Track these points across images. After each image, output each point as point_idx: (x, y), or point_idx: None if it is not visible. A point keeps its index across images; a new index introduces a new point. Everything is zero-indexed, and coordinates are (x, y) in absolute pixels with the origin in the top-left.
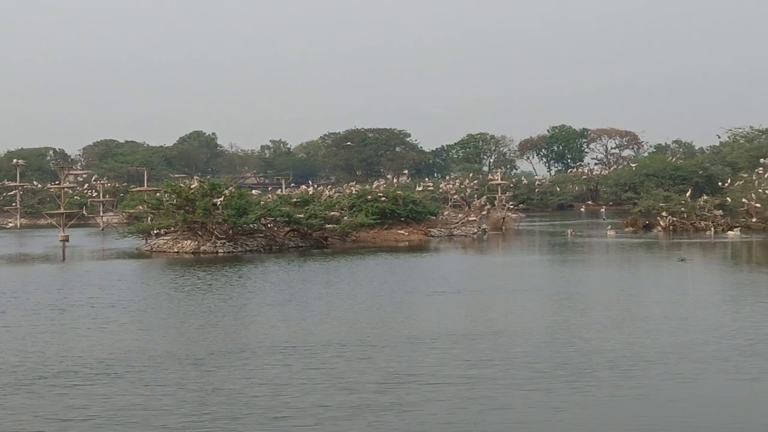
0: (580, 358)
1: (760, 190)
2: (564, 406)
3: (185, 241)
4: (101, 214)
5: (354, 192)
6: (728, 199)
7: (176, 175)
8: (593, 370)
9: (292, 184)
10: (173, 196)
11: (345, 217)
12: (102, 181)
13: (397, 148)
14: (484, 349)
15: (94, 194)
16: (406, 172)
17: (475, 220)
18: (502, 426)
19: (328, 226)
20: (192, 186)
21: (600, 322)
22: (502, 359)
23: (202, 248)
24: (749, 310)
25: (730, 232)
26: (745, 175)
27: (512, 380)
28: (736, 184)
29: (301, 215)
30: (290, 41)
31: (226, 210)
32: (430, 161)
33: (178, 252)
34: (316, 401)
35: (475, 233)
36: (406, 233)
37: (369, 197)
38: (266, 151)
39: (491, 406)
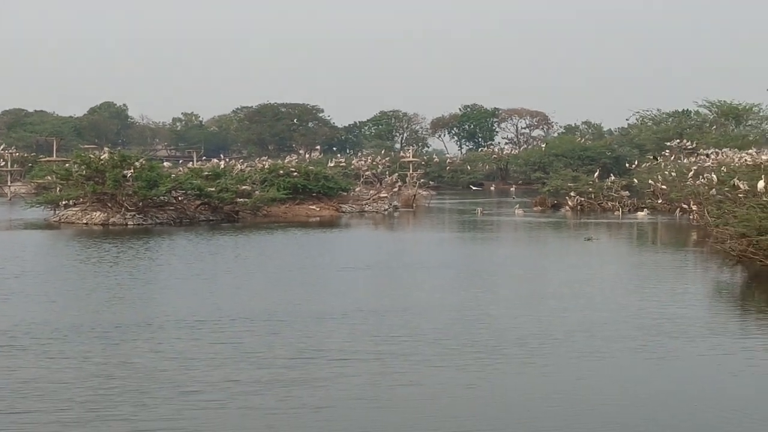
0: (490, 336)
1: (666, 172)
2: (474, 383)
3: (94, 213)
4: (9, 183)
5: (266, 166)
6: (635, 180)
7: (86, 146)
8: (503, 348)
9: (204, 158)
10: (83, 167)
11: (256, 192)
12: (10, 151)
13: (310, 124)
14: (393, 325)
15: (2, 164)
16: (318, 147)
17: (386, 197)
18: (413, 402)
19: (239, 200)
20: (102, 157)
21: (509, 299)
22: (411, 335)
23: (112, 220)
24: (654, 289)
25: (639, 213)
26: (651, 157)
27: (422, 356)
28: (643, 165)
29: (212, 189)
30: (203, 14)
31: (137, 182)
32: (343, 137)
33: (87, 223)
34: (225, 376)
35: (386, 210)
36: (318, 209)
37: (281, 172)
38: (178, 124)
39: (401, 382)
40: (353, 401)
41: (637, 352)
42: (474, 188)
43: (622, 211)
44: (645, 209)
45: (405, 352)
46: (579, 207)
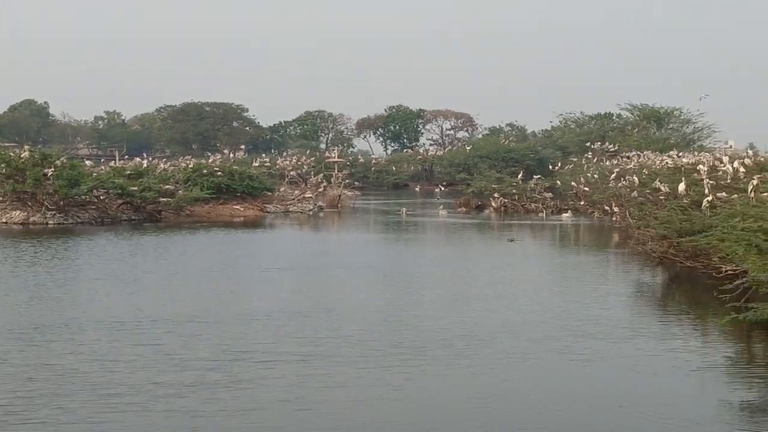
0: (415, 337)
1: (589, 174)
2: (401, 384)
3: (14, 212)
4: None
5: (189, 166)
6: (558, 182)
7: (5, 144)
8: (428, 349)
9: (126, 157)
10: (2, 165)
11: (180, 191)
12: None
13: (234, 123)
14: (317, 327)
15: None
16: (242, 147)
17: (311, 197)
18: (340, 404)
19: (162, 199)
20: (22, 155)
21: (433, 301)
22: (336, 337)
23: (32, 219)
24: (577, 290)
25: (563, 215)
26: (575, 159)
27: (347, 358)
28: (566, 167)
29: (135, 188)
30: (125, 12)
31: (57, 181)
32: (268, 137)
33: (6, 222)
34: (147, 378)
35: (311, 210)
36: (242, 209)
37: (205, 171)
38: (100, 122)
39: (327, 384)
40: (279, 403)
41: (562, 354)
42: (406, 185)
43: (546, 213)
44: (569, 210)
45: (330, 354)
46: (503, 208)
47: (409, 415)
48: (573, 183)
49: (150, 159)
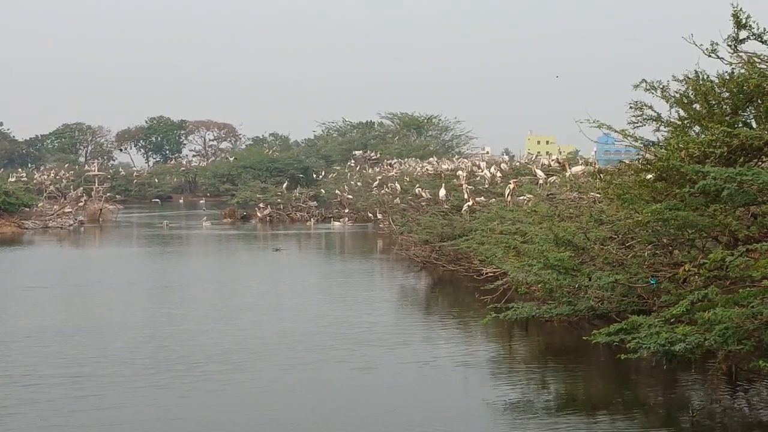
0: (187, 352)
1: (352, 182)
2: (176, 403)
3: None
4: None
5: None
6: (323, 190)
7: None
8: (203, 364)
9: None
10: None
11: None
12: None
13: None
14: (84, 346)
15: None
16: None
17: (71, 212)
18: (115, 426)
19: None
20: None
21: (203, 314)
22: (104, 356)
23: None
24: (348, 298)
25: (335, 223)
26: (338, 168)
27: (119, 378)
28: (330, 176)
29: None
30: None
31: None
32: (24, 151)
33: None
34: None
35: (71, 225)
36: None
37: None
38: None
39: (100, 405)
40: (47, 428)
41: (342, 363)
42: (156, 201)
43: (315, 221)
44: (343, 219)
45: (100, 374)
46: (269, 218)
47: None
48: (337, 191)
49: None
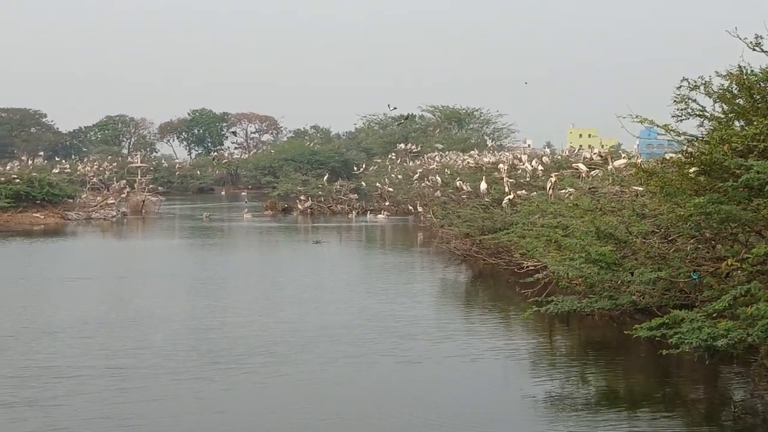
0: (231, 345)
1: (393, 175)
2: (224, 396)
3: None
4: None
5: None
6: (363, 183)
7: None
8: (249, 357)
9: None
10: None
11: None
12: None
13: (32, 129)
14: (127, 338)
15: None
16: (41, 153)
17: (114, 204)
18: (160, 420)
19: None
20: None
21: (245, 307)
22: (147, 348)
23: None
24: (389, 291)
25: (378, 216)
26: (379, 161)
27: (162, 370)
28: (371, 168)
29: None
30: None
31: None
32: (68, 143)
33: None
34: None
35: (114, 217)
36: (42, 216)
37: (2, 179)
38: None
39: (145, 398)
40: (94, 421)
41: (385, 356)
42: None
43: (356, 213)
44: (385, 212)
45: (143, 366)
46: (309, 210)
47: (233, 428)
48: (378, 184)
49: None
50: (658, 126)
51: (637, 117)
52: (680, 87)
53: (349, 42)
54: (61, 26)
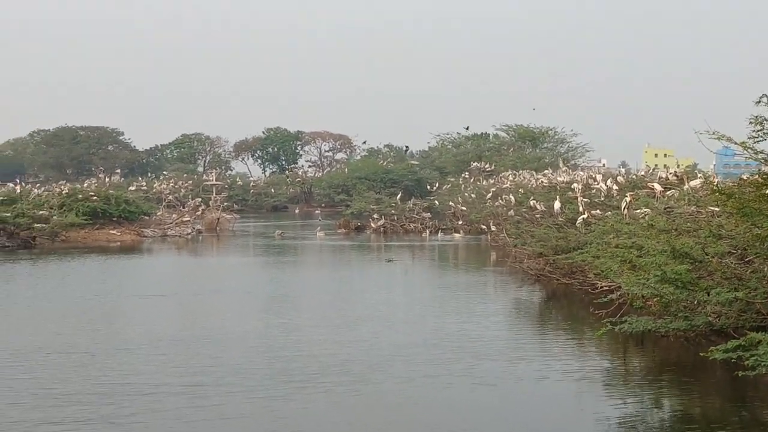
0: (306, 363)
1: (466, 194)
2: (301, 415)
3: None
4: None
5: (64, 191)
6: (436, 202)
7: None
8: (324, 375)
9: None
10: None
11: (54, 217)
12: None
13: (110, 147)
14: (202, 355)
15: None
16: (118, 171)
17: (189, 221)
18: None
19: (36, 225)
20: None
21: (319, 325)
22: (223, 365)
23: None
24: (463, 311)
25: (456, 234)
26: (452, 179)
27: (239, 388)
28: (444, 187)
29: (8, 214)
30: None
31: None
32: (144, 161)
33: None
34: (23, 415)
35: (190, 234)
36: (119, 233)
37: (80, 196)
38: None
39: (223, 415)
40: None
41: (462, 377)
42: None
43: (430, 232)
44: (461, 231)
45: (220, 384)
46: (382, 229)
47: None
48: (451, 203)
49: (23, 184)
50: (735, 144)
51: (714, 133)
52: (758, 103)
53: (421, 61)
54: (138, 47)
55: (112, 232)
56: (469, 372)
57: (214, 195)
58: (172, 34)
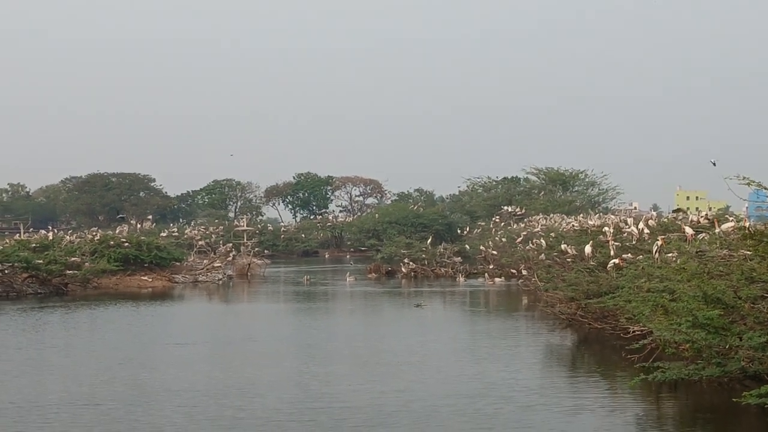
0: (346, 415)
1: (497, 238)
2: None
3: None
4: None
5: (96, 237)
6: (467, 246)
7: None
8: (366, 428)
9: (31, 229)
10: None
11: (86, 263)
12: None
13: (141, 193)
14: (234, 407)
15: None
16: (150, 217)
17: (220, 267)
18: None
19: (68, 272)
20: None
21: (356, 373)
22: (260, 417)
23: None
24: (499, 358)
25: (496, 279)
26: (482, 223)
27: None
28: (475, 231)
29: (40, 261)
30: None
31: None
32: (176, 207)
33: None
34: None
35: (220, 280)
36: (150, 279)
37: (111, 243)
38: (4, 195)
39: None
40: None
41: (516, 428)
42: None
43: (462, 277)
44: (501, 276)
45: None
46: (413, 274)
47: None
48: (482, 247)
49: (56, 231)
50: (765, 188)
51: (744, 179)
52: None
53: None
54: (169, 94)
55: (143, 278)
56: (516, 423)
57: (245, 240)
58: (203, 83)
